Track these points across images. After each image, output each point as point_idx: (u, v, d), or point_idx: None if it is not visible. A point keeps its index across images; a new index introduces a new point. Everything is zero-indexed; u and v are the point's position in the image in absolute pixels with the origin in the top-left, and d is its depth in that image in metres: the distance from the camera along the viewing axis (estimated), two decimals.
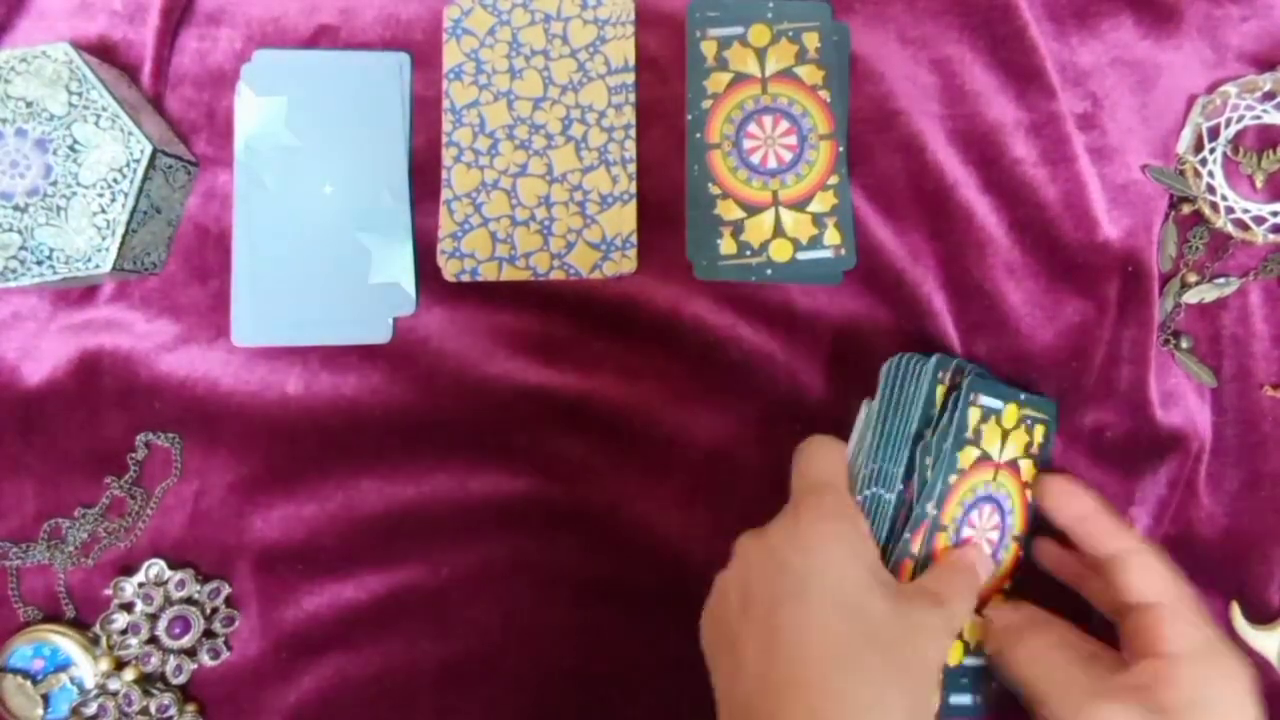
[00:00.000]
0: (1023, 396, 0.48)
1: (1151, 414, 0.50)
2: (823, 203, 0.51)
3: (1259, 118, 0.51)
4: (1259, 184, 0.52)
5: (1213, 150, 0.51)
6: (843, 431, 0.46)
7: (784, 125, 0.52)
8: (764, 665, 0.38)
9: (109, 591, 0.50)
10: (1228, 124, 0.51)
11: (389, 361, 0.52)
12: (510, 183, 0.52)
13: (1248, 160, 0.52)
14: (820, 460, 0.44)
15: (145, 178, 0.48)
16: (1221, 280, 0.51)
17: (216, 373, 0.52)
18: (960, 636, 0.46)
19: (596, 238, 0.52)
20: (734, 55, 0.52)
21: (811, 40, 0.52)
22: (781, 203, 0.52)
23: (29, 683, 0.50)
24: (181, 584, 0.50)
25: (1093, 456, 0.51)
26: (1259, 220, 0.51)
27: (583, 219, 0.52)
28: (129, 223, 0.48)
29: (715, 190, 0.52)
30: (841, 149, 0.51)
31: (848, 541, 0.41)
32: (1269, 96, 0.51)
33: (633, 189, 0.52)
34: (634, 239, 0.52)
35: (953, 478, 0.45)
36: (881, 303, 0.52)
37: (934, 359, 0.45)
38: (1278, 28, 0.52)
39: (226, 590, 0.51)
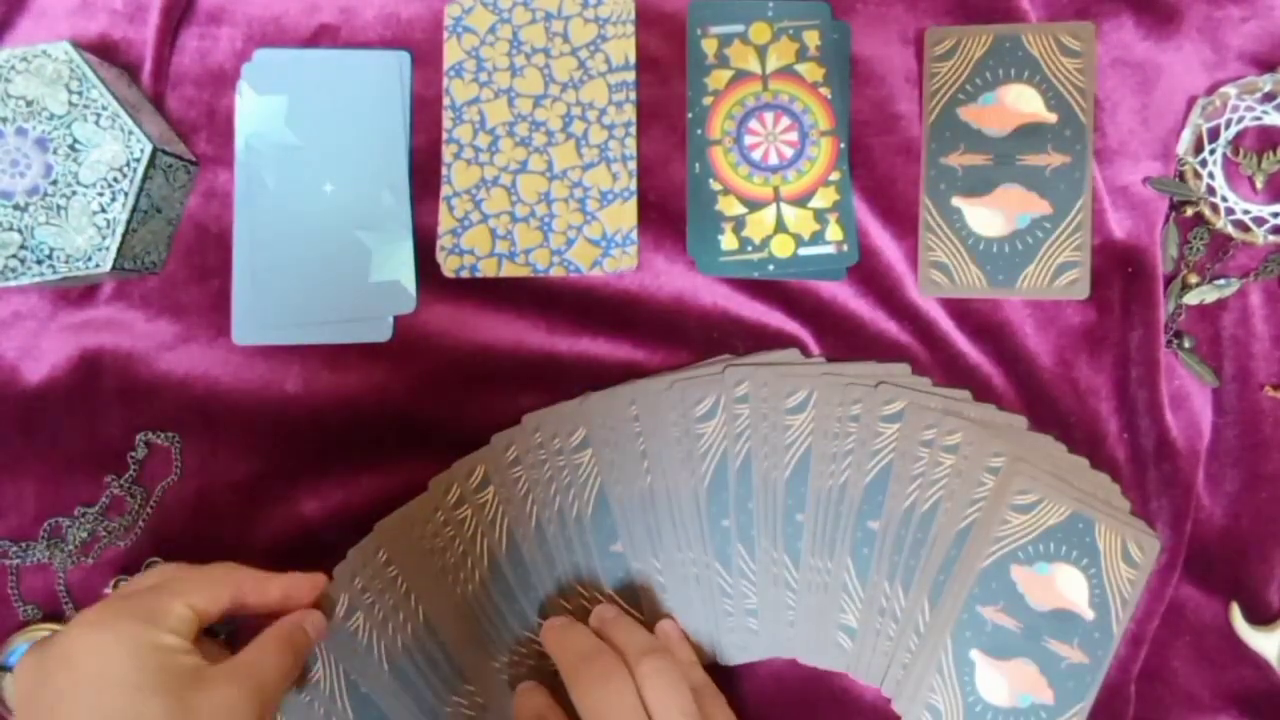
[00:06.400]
0: (771, 11, 0.49)
1: (1159, 415, 0.50)
2: (824, 199, 0.51)
3: (1259, 119, 0.51)
4: (1259, 185, 0.52)
5: (1213, 151, 0.51)
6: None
7: (785, 122, 0.52)
8: None
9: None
10: (1228, 125, 0.51)
11: (389, 359, 0.52)
12: (510, 179, 0.52)
13: (1248, 161, 0.51)
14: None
15: (145, 177, 0.48)
16: (1222, 281, 0.51)
17: (216, 372, 0.52)
18: None
19: (597, 234, 0.51)
20: (735, 52, 0.52)
21: (812, 38, 0.52)
22: (783, 199, 0.52)
23: None
24: None
25: (1095, 458, 0.51)
26: (1259, 221, 0.51)
27: (583, 215, 0.52)
28: (129, 222, 0.48)
29: (716, 186, 0.52)
30: (843, 145, 0.51)
31: (114, 649, 0.38)
32: (1269, 97, 0.51)
33: (633, 186, 0.52)
34: (634, 235, 0.51)
35: (707, 100, 0.47)
36: (881, 304, 0.52)
37: None
38: (1278, 28, 0.52)
39: None
